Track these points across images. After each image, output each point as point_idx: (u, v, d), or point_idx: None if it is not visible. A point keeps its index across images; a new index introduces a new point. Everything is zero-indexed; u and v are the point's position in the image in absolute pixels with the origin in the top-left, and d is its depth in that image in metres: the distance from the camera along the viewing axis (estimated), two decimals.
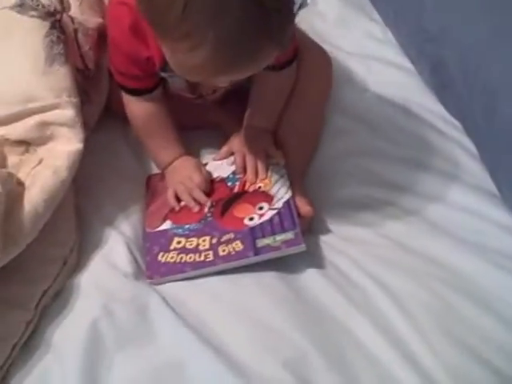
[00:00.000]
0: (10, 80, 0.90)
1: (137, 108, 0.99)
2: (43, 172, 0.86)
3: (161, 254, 0.91)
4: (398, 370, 0.79)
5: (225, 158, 1.03)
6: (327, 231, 0.97)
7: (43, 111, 0.90)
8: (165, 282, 0.89)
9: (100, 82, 1.03)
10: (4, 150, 0.91)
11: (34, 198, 0.83)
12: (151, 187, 1.02)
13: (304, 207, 0.94)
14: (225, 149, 1.03)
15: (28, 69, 0.90)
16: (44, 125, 0.90)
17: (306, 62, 1.03)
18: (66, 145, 0.89)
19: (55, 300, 0.87)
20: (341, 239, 0.96)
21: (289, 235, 0.88)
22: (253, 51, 0.74)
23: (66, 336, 0.82)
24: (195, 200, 0.97)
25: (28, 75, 0.90)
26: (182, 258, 0.90)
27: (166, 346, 0.82)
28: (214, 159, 1.04)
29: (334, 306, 0.86)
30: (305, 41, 1.07)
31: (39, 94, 0.90)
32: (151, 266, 0.90)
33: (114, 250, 0.92)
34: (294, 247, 0.88)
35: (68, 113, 0.89)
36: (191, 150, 1.05)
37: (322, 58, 1.09)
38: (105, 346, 0.81)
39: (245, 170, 0.99)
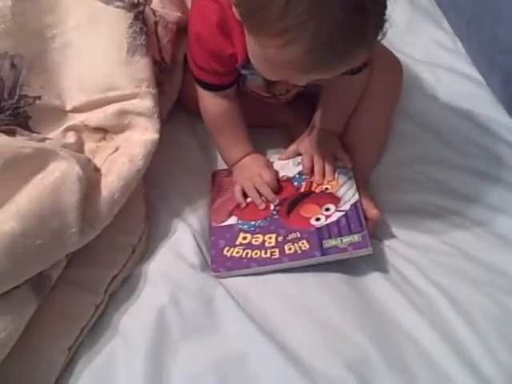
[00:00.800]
0: (92, 68, 0.92)
1: (211, 103, 1.00)
2: (120, 159, 0.88)
3: (226, 248, 0.92)
4: (457, 373, 0.79)
5: (291, 158, 1.03)
6: (391, 236, 0.97)
7: (123, 100, 0.91)
8: (230, 276, 0.90)
9: (174, 76, 1.05)
10: (82, 136, 0.93)
11: (111, 184, 0.85)
12: (217, 182, 1.03)
13: (371, 210, 0.94)
14: (291, 149, 1.04)
15: (111, 58, 0.92)
16: (122, 113, 0.91)
17: (378, 67, 1.03)
18: (143, 134, 0.90)
19: (123, 286, 0.88)
20: (405, 245, 0.95)
21: (356, 237, 0.89)
22: (346, 53, 0.74)
23: (133, 322, 0.84)
24: (263, 197, 0.97)
25: (110, 64, 0.92)
26: (247, 254, 0.90)
27: (230, 339, 0.83)
28: (280, 159, 1.04)
29: (397, 309, 0.87)
30: (377, 46, 1.07)
31: (120, 83, 0.91)
32: (217, 260, 0.91)
33: (181, 240, 0.93)
34: (360, 250, 0.88)
35: (147, 103, 0.91)
36: (257, 148, 1.06)
37: (394, 64, 1.08)
38: (171, 335, 0.82)
39: (312, 172, 0.99)
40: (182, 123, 1.11)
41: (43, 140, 0.89)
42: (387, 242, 0.96)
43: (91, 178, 0.84)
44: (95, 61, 0.93)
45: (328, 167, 0.99)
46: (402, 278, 0.91)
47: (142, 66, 0.92)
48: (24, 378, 0.76)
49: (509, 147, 1.09)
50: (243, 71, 0.96)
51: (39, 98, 0.91)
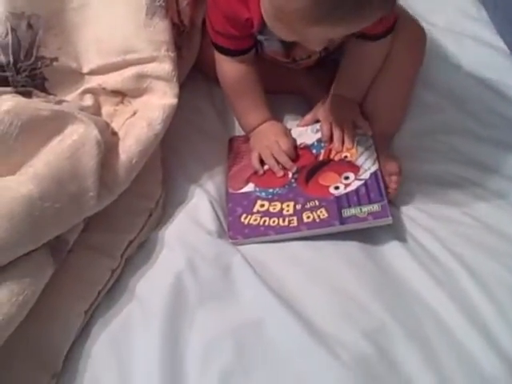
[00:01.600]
0: (110, 30, 0.91)
1: (229, 68, 0.98)
2: (138, 123, 0.87)
3: (244, 215, 0.91)
4: (476, 346, 0.79)
5: (309, 124, 1.02)
6: (411, 206, 0.96)
7: (141, 63, 0.90)
8: (247, 244, 0.89)
9: (193, 39, 1.03)
10: (99, 99, 0.92)
11: (128, 148, 0.84)
12: (234, 149, 1.02)
13: (391, 165, 0.94)
14: (310, 116, 1.02)
15: (129, 20, 0.90)
16: (141, 77, 0.90)
17: (401, 34, 1.00)
18: (162, 98, 0.89)
19: (139, 251, 0.88)
20: (425, 215, 0.94)
21: (375, 207, 0.88)
22: (357, 2, 0.71)
23: (150, 286, 0.84)
24: (280, 165, 0.96)
25: (129, 26, 0.90)
26: (265, 221, 0.90)
27: (246, 305, 0.82)
28: (298, 125, 1.03)
29: (415, 279, 0.86)
30: (401, 12, 1.04)
31: (138, 45, 0.90)
32: (234, 227, 0.90)
33: (198, 206, 0.93)
34: (380, 219, 0.87)
35: (166, 66, 0.90)
36: (276, 114, 1.04)
37: (417, 31, 1.05)
38: (187, 300, 0.82)
39: (331, 139, 0.98)
40: (200, 88, 1.10)
41: (60, 102, 0.88)
42: (407, 212, 0.95)
43: (109, 141, 0.83)
44: (113, 22, 0.91)
45: (347, 134, 0.97)
46: (421, 248, 0.90)
47: (161, 29, 0.91)
48: (41, 341, 0.76)
49: None
50: (259, 37, 0.94)
51: (56, 59, 0.90)
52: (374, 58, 1.01)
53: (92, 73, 0.92)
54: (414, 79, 1.08)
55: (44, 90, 0.90)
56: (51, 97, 0.89)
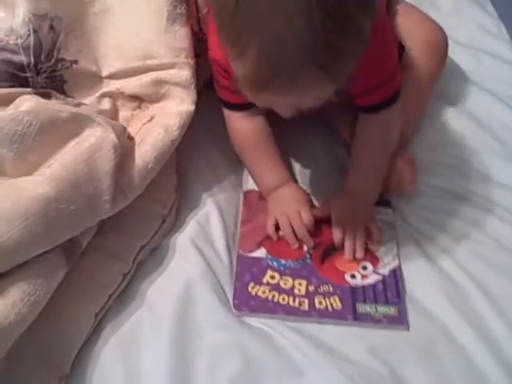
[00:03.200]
0: (131, 35, 0.91)
1: (240, 124, 0.94)
2: (155, 129, 0.87)
3: (251, 284, 0.86)
4: (488, 366, 0.79)
5: (319, 217, 0.93)
6: (424, 220, 0.95)
7: (160, 69, 0.90)
8: (252, 317, 0.83)
9: None
10: (117, 103, 0.92)
11: (144, 153, 0.84)
12: (248, 203, 0.97)
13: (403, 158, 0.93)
14: (321, 210, 0.94)
15: (150, 25, 0.90)
16: (159, 83, 0.90)
17: (419, 35, 0.99)
18: (179, 105, 0.89)
19: (151, 256, 0.88)
20: (438, 230, 0.94)
21: (392, 310, 0.84)
22: (293, 71, 0.67)
23: (160, 293, 0.84)
24: (297, 238, 0.91)
25: (150, 32, 0.90)
26: (274, 297, 0.85)
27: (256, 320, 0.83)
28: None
29: (426, 296, 0.86)
30: (419, 15, 1.04)
31: (158, 51, 0.90)
32: (240, 296, 0.85)
33: (210, 216, 0.93)
34: (395, 325, 0.83)
35: (184, 73, 0.90)
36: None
37: (437, 33, 1.03)
38: (197, 309, 0.82)
39: (343, 245, 0.90)
40: (216, 97, 1.10)
41: (78, 105, 0.88)
42: (418, 226, 0.95)
43: (125, 146, 0.83)
44: (134, 28, 0.91)
45: (359, 243, 0.90)
46: (433, 265, 0.90)
47: (181, 36, 0.91)
48: (50, 343, 0.76)
49: None
50: None
51: (76, 62, 0.90)
52: (383, 136, 0.93)
53: (111, 77, 0.92)
54: (435, 81, 1.05)
55: (63, 92, 0.90)
56: (70, 99, 0.89)
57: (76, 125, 0.80)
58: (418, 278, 0.88)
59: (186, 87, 0.90)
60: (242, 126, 0.94)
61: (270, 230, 0.92)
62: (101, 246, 0.84)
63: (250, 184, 0.99)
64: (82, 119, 0.80)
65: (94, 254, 0.83)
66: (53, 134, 0.78)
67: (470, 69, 1.17)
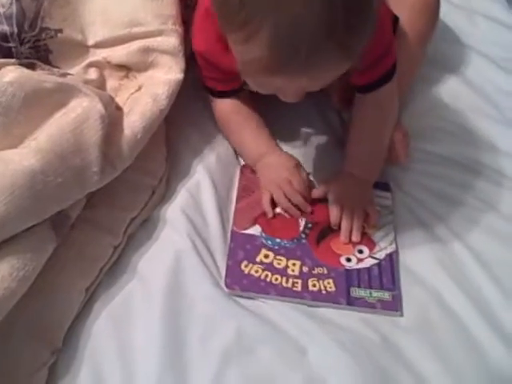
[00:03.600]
0: (118, 1, 0.88)
1: (225, 105, 0.95)
2: (143, 99, 0.85)
3: (245, 262, 0.85)
4: (482, 334, 0.79)
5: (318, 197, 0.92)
6: (418, 187, 0.95)
7: (147, 37, 0.88)
8: (243, 296, 0.83)
9: None
10: (104, 73, 0.90)
11: (133, 123, 0.83)
12: (244, 178, 0.95)
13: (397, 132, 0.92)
14: (319, 191, 0.92)
15: None
16: (147, 51, 0.88)
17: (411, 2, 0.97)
18: (167, 73, 0.87)
19: (142, 228, 0.87)
20: (430, 195, 0.94)
21: (386, 295, 0.83)
22: (312, 50, 0.65)
23: (151, 265, 0.84)
24: (295, 206, 0.90)
25: None
26: (267, 276, 0.83)
27: None
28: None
29: (419, 263, 0.86)
30: None
31: (145, 18, 0.88)
32: (232, 274, 0.83)
33: (201, 185, 0.92)
34: (389, 311, 0.82)
35: (172, 41, 0.87)
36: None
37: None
38: (187, 280, 0.81)
39: (339, 227, 0.89)
40: None
41: (64, 75, 0.86)
42: (412, 192, 0.94)
43: (113, 116, 0.82)
44: None
45: (356, 226, 0.89)
46: (427, 231, 0.89)
47: (168, 2, 0.88)
48: (41, 317, 0.75)
49: None
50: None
51: (61, 31, 0.88)
52: (382, 115, 0.91)
53: (97, 46, 0.90)
54: (425, 43, 1.03)
55: (48, 62, 0.88)
56: (55, 69, 0.87)
57: (62, 95, 0.78)
58: (413, 246, 0.88)
59: (174, 55, 0.88)
60: (227, 106, 0.95)
61: (266, 206, 0.90)
62: (90, 218, 0.83)
63: None
64: (68, 89, 0.78)
65: (84, 227, 0.82)
66: (38, 105, 0.76)
67: (464, 31, 1.15)
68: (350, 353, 0.76)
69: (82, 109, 0.77)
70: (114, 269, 0.83)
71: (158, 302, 0.79)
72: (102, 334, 0.77)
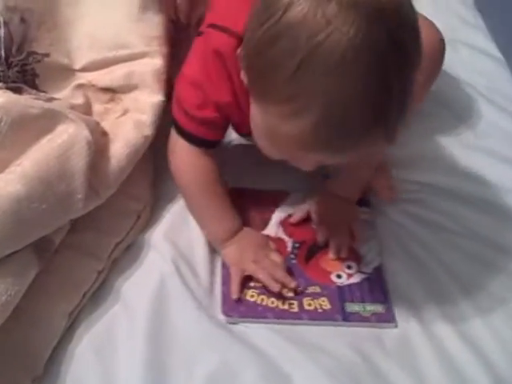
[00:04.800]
0: (103, 24, 0.89)
1: (194, 162, 0.86)
2: (127, 124, 0.86)
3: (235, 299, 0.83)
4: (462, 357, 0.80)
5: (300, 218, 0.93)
6: (401, 212, 0.96)
7: (132, 59, 0.89)
8: (241, 322, 0.82)
9: (189, 38, 1.01)
10: (90, 96, 0.90)
11: (117, 150, 0.83)
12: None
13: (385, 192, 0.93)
14: (301, 213, 0.93)
15: (122, 15, 0.89)
16: (131, 73, 0.89)
17: None
18: (150, 96, 0.88)
19: (127, 253, 0.87)
20: (415, 223, 0.95)
21: (379, 308, 0.84)
22: (362, 134, 0.63)
23: (135, 290, 0.83)
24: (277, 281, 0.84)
25: (121, 21, 0.89)
26: (263, 300, 0.83)
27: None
28: (292, 220, 0.93)
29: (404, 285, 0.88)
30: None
31: (130, 40, 0.88)
32: (229, 301, 0.83)
33: (187, 212, 0.91)
34: (384, 323, 0.83)
35: (156, 62, 0.88)
36: None
37: (435, 41, 0.93)
38: (171, 305, 0.81)
39: (325, 244, 0.90)
40: None
41: (51, 100, 0.86)
42: (396, 218, 0.95)
43: (99, 142, 0.82)
44: (106, 18, 0.90)
45: (344, 243, 0.89)
46: (410, 257, 0.91)
47: (154, 24, 0.89)
48: (22, 343, 0.74)
49: None
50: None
51: (48, 55, 0.88)
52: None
53: (83, 69, 0.90)
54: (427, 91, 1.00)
55: (34, 86, 0.88)
56: (42, 94, 0.87)
57: (48, 121, 0.78)
58: (399, 271, 0.89)
59: (157, 77, 0.88)
60: (198, 164, 0.86)
61: (236, 285, 0.83)
62: (75, 243, 0.83)
63: None
64: (55, 115, 0.78)
65: (68, 252, 0.82)
66: (24, 130, 0.76)
67: (447, 59, 1.16)
68: (336, 379, 0.77)
69: (68, 135, 0.77)
70: (97, 293, 0.83)
71: (141, 328, 0.79)
72: (84, 360, 0.76)
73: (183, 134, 0.85)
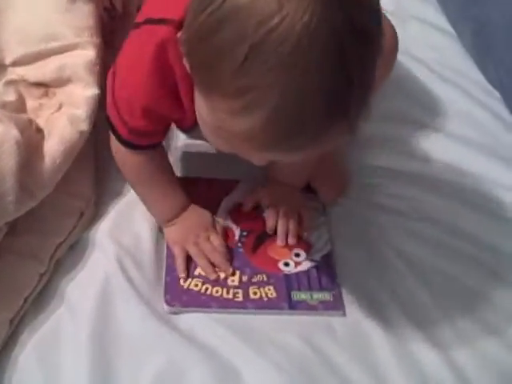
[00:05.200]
0: (32, 17, 0.86)
1: (133, 158, 0.82)
2: (62, 120, 0.82)
3: (183, 277, 0.83)
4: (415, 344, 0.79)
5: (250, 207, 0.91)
6: (362, 200, 0.94)
7: (63, 51, 0.85)
8: (184, 312, 0.80)
9: (126, 26, 0.97)
10: (23, 92, 0.86)
11: (52, 148, 0.80)
12: None
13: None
14: (250, 199, 0.91)
15: (50, 5, 0.85)
16: (62, 66, 0.85)
17: None
18: (85, 89, 0.84)
19: (70, 252, 0.84)
20: (371, 208, 0.93)
21: (327, 296, 0.82)
22: (320, 130, 0.57)
23: (79, 291, 0.81)
24: (214, 266, 0.84)
25: (50, 13, 0.85)
26: (207, 289, 0.82)
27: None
28: (245, 208, 0.91)
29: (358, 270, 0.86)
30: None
31: (60, 32, 0.85)
32: (171, 291, 0.81)
33: (132, 207, 0.89)
34: (331, 311, 0.82)
35: (88, 53, 0.84)
36: None
37: (392, 41, 0.85)
38: (116, 305, 0.79)
39: (275, 232, 0.88)
40: None
41: None
42: (353, 205, 0.94)
43: (31, 141, 0.78)
44: (34, 9, 0.86)
45: (292, 229, 0.87)
46: (364, 244, 0.89)
47: (84, 14, 0.86)
48: None
49: (477, 104, 1.05)
50: (186, 134, 0.86)
51: None
52: None
53: (15, 64, 0.87)
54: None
55: None
56: None
57: None
58: (352, 259, 0.87)
59: (90, 69, 0.85)
60: (132, 158, 0.82)
61: (181, 267, 0.83)
62: (14, 246, 0.80)
63: None
64: None
65: (7, 256, 0.79)
66: None
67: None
68: (287, 373, 0.75)
69: None
70: (41, 297, 0.80)
71: (85, 330, 0.76)
72: (29, 366, 0.74)
73: (115, 135, 0.80)
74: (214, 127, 0.63)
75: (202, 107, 0.63)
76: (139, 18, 0.78)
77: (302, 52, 0.53)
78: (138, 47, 0.74)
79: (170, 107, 0.75)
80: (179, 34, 0.64)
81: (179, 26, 0.66)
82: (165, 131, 0.83)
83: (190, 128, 0.80)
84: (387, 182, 0.96)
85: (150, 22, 0.75)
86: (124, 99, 0.75)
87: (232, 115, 0.57)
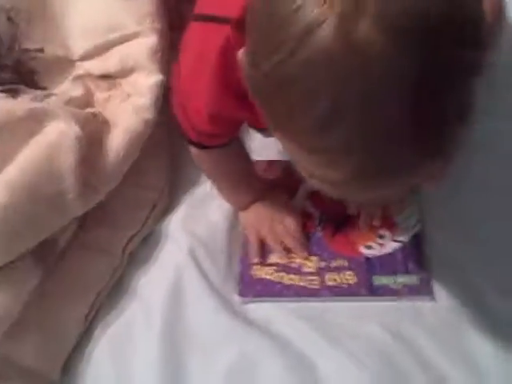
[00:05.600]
0: (93, 11, 0.85)
1: (207, 155, 0.79)
2: (127, 111, 0.81)
3: (257, 266, 0.79)
4: None
5: None
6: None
7: (125, 41, 0.83)
8: (258, 302, 0.77)
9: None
10: (90, 86, 0.86)
11: (115, 140, 0.78)
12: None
13: None
14: None
15: None
16: (125, 56, 0.84)
17: None
18: (148, 77, 0.82)
19: (143, 245, 0.83)
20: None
21: (413, 279, 0.75)
22: (413, 169, 0.49)
23: (152, 284, 0.80)
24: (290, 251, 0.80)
25: (110, 3, 0.84)
26: (281, 278, 0.78)
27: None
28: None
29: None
30: None
31: (121, 21, 0.83)
32: (244, 280, 0.78)
33: (206, 197, 0.86)
34: (418, 296, 0.74)
35: (149, 40, 0.82)
36: None
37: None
38: (187, 298, 0.77)
39: (357, 214, 0.82)
40: None
41: (48, 96, 0.83)
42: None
43: (95, 135, 0.77)
44: (96, 3, 0.85)
45: (376, 211, 0.81)
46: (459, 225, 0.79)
47: (144, 1, 0.83)
48: (40, 349, 0.73)
49: None
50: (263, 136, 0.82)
51: (41, 50, 0.86)
52: None
53: (82, 59, 0.87)
54: None
55: (34, 83, 0.86)
56: (39, 92, 0.84)
57: (33, 121, 0.74)
58: (445, 240, 0.78)
59: (153, 56, 0.82)
60: (206, 154, 0.79)
61: (257, 250, 0.80)
62: (86, 241, 0.80)
63: None
64: (40, 114, 0.74)
65: (80, 252, 0.79)
66: (9, 134, 0.73)
67: None
68: (367, 367, 0.69)
69: (56, 134, 0.74)
70: (114, 290, 0.80)
71: (157, 324, 0.75)
72: (101, 362, 0.74)
73: (184, 136, 0.76)
74: (295, 164, 0.54)
75: (278, 140, 0.54)
76: (198, 9, 0.71)
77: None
78: (199, 51, 0.67)
79: (238, 107, 0.67)
80: (240, 55, 0.54)
81: (239, 25, 0.56)
82: (236, 130, 0.78)
83: (265, 128, 0.72)
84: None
85: (211, 19, 0.66)
86: (189, 105, 0.71)
87: (316, 167, 0.50)
